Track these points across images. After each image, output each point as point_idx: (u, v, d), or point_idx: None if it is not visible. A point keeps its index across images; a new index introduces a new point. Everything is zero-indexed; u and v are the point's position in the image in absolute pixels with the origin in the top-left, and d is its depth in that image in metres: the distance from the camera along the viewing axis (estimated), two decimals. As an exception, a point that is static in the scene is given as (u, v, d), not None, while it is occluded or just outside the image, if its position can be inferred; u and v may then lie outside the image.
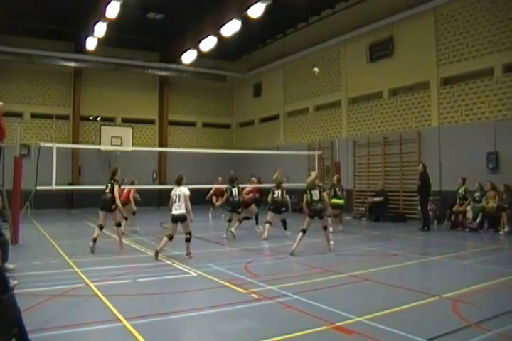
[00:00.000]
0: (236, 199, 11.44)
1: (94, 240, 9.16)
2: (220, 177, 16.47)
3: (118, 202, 9.65)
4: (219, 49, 18.67)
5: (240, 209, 11.51)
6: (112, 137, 21.16)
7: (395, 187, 16.06)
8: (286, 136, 22.00)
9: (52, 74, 21.55)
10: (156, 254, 8.39)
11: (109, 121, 22.63)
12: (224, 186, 13.66)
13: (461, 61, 14.24)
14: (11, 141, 11.30)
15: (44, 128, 21.24)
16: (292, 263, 7.95)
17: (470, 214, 12.47)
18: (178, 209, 8.43)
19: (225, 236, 11.18)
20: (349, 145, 17.87)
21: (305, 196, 9.20)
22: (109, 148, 20.08)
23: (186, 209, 8.43)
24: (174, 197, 8.52)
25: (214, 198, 16.22)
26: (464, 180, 12.98)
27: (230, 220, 11.34)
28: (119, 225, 9.87)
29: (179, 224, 8.51)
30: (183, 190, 8.55)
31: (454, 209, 13.06)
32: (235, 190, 11.50)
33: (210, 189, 16.29)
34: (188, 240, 8.56)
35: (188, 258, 8.39)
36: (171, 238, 8.46)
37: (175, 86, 24.34)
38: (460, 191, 13.04)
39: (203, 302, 5.61)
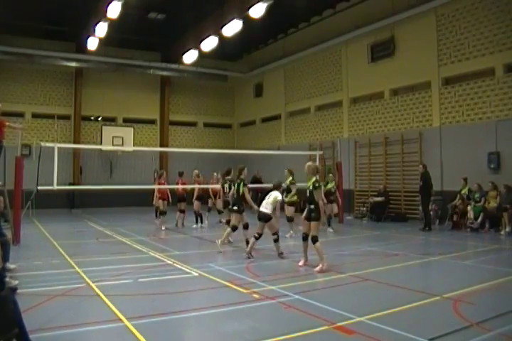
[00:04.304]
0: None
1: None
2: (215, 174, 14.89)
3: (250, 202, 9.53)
4: (220, 49, 18.67)
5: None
6: (113, 137, 21.18)
7: (396, 187, 16.06)
8: (288, 136, 22.00)
9: (54, 75, 21.57)
10: (249, 254, 8.44)
11: (110, 121, 22.64)
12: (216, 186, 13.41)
13: (463, 61, 14.22)
14: (12, 141, 11.34)
15: (45, 128, 21.25)
16: (293, 264, 7.94)
17: (471, 214, 12.46)
18: (264, 207, 8.50)
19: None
20: (350, 146, 17.86)
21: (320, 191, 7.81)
22: (111, 148, 20.12)
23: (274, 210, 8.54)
24: (268, 196, 8.65)
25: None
26: (465, 180, 12.99)
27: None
28: (245, 227, 9.45)
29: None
30: (276, 195, 8.66)
31: (454, 203, 13.11)
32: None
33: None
34: (276, 241, 8.48)
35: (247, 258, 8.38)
36: (258, 237, 8.45)
37: (176, 86, 24.34)
38: (463, 192, 13.05)
39: (204, 302, 5.61)
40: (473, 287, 6.08)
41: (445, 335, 4.24)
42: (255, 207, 9.23)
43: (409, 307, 5.15)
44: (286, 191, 11.53)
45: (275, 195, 8.66)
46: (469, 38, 13.99)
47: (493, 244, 10.29)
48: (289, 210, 11.60)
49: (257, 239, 8.45)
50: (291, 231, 11.30)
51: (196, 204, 13.89)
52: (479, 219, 12.24)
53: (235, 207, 9.29)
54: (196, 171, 14.24)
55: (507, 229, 11.62)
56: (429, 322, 4.73)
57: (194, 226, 13.67)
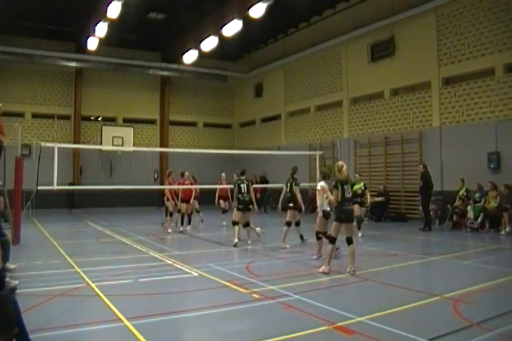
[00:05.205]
0: None
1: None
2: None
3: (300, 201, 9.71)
4: (220, 49, 18.67)
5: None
6: (113, 137, 21.17)
7: (397, 187, 16.05)
8: (288, 136, 21.99)
9: (54, 74, 21.57)
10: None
11: (110, 121, 22.63)
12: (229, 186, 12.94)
13: (463, 61, 14.22)
14: (12, 141, 11.30)
15: (45, 128, 21.25)
16: (293, 263, 7.95)
17: (471, 214, 12.46)
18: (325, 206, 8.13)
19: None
20: (350, 145, 17.86)
21: (335, 191, 7.23)
22: (111, 148, 20.12)
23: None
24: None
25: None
26: (463, 181, 12.99)
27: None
28: (297, 224, 9.92)
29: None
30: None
31: (455, 204, 13.08)
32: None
33: (214, 189, 14.69)
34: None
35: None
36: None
37: (176, 86, 24.34)
38: (461, 193, 13.04)
39: (204, 302, 5.61)
40: (473, 287, 6.07)
41: (445, 335, 4.24)
42: (303, 206, 9.74)
43: (409, 307, 5.14)
44: None
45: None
46: (469, 38, 13.99)
47: (493, 244, 10.30)
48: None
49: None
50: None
51: (188, 205, 13.12)
52: (479, 219, 12.23)
53: (291, 204, 9.68)
54: (187, 173, 13.48)
55: (507, 229, 11.62)
56: (429, 322, 4.73)
57: (181, 228, 12.80)
